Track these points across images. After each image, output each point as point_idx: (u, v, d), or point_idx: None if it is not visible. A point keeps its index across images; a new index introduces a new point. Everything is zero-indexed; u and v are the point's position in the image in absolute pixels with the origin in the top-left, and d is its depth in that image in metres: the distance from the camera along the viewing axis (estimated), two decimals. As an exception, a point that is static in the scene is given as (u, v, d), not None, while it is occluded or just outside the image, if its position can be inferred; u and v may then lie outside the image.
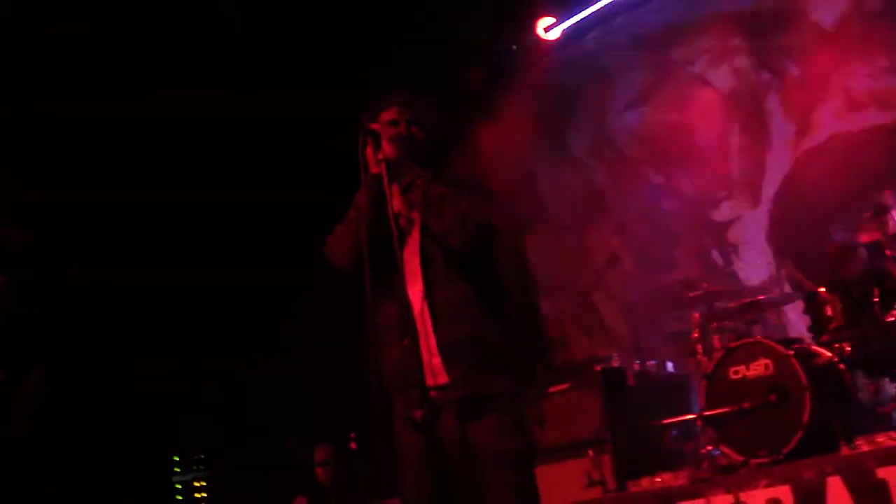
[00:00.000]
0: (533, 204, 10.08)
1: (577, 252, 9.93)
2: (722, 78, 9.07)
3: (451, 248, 3.86)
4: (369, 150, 3.92)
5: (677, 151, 9.10)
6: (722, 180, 8.99)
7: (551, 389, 7.48)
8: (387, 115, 4.05)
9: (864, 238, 6.76)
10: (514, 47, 10.03)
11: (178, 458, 10.31)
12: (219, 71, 8.39)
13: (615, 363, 7.69)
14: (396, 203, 3.96)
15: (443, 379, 3.82)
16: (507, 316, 3.97)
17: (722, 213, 9.03)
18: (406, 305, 3.85)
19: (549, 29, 9.78)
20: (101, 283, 8.38)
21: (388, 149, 3.92)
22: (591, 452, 7.00)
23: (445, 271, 3.90)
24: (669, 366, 7.96)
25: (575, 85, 9.95)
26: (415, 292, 3.90)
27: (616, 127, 9.75)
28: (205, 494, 10.15)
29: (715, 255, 8.85)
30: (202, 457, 10.23)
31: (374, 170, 3.91)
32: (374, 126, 3.95)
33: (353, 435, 8.45)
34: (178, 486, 10.24)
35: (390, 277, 3.86)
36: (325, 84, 8.36)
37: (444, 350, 3.83)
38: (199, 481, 10.25)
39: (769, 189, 8.76)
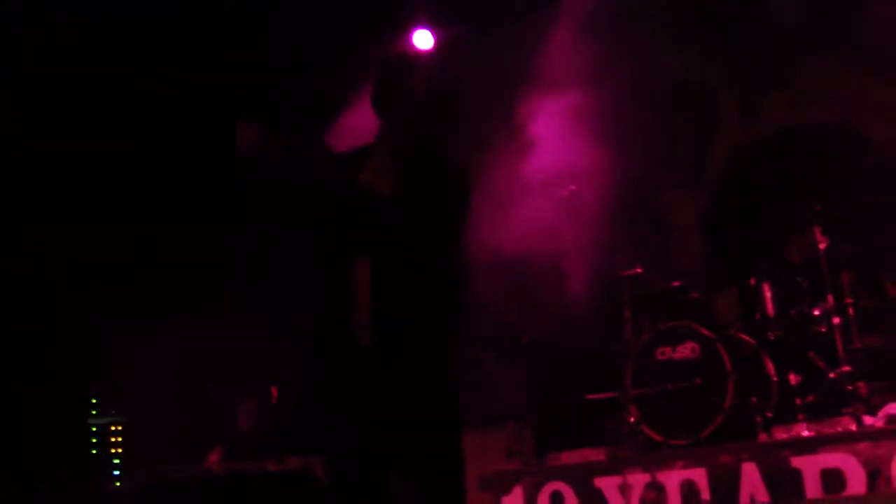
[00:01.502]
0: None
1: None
2: (672, 63, 9.05)
3: None
4: None
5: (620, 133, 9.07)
6: (663, 164, 9.00)
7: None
8: None
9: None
10: None
11: (95, 402, 10.10)
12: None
13: (543, 336, 7.69)
14: None
15: None
16: None
17: (660, 196, 9.04)
18: None
19: None
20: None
21: None
22: (512, 423, 7.01)
23: None
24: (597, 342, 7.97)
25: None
26: None
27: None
28: (120, 439, 9.95)
29: (649, 237, 8.86)
30: (120, 402, 10.03)
31: None
32: None
33: (273, 388, 8.37)
34: (94, 430, 10.02)
35: None
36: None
37: None
38: (115, 426, 10.05)
39: (709, 176, 8.79)
